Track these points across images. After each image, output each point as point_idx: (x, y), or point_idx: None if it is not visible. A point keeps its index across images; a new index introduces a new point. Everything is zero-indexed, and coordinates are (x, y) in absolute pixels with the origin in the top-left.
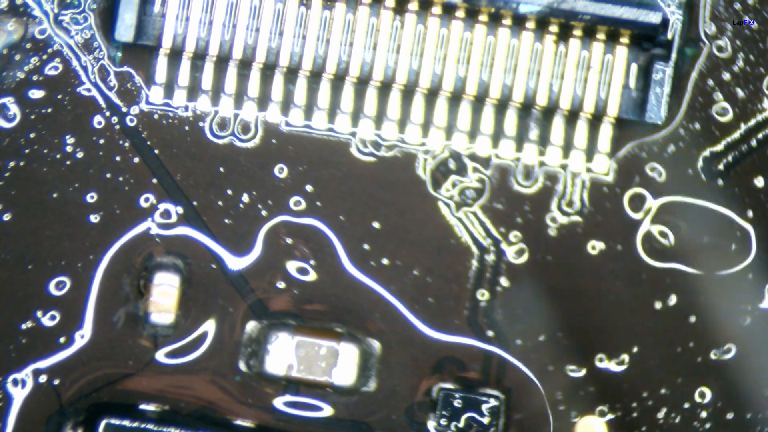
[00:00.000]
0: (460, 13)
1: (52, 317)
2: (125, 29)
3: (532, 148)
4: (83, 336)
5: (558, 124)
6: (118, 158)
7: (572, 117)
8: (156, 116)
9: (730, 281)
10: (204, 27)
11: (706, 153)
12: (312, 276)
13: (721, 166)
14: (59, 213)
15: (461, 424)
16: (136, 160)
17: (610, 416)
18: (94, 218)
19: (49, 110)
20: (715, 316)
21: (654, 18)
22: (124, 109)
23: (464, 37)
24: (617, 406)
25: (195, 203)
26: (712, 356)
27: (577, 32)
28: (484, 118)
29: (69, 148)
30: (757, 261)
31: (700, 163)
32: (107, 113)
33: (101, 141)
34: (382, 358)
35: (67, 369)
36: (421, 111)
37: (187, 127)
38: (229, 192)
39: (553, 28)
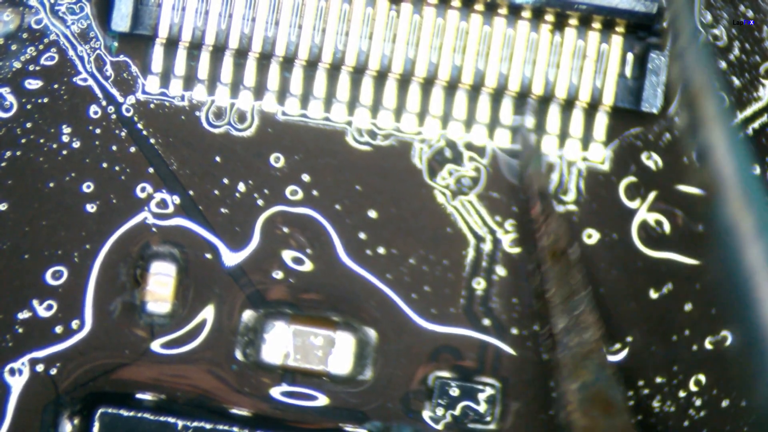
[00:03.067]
0: (456, 3)
1: (49, 307)
2: (122, 19)
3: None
4: (80, 325)
5: (554, 112)
6: (114, 148)
7: (568, 106)
8: (152, 106)
9: (725, 269)
10: (200, 16)
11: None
12: (308, 265)
13: None
14: (56, 203)
15: (457, 413)
16: (133, 149)
17: None
18: (91, 208)
19: (46, 100)
20: (710, 305)
21: (650, 7)
22: (121, 99)
23: (460, 27)
24: None
25: (191, 192)
26: (708, 344)
27: (573, 21)
28: (480, 107)
29: (65, 138)
30: None
31: (695, 152)
32: (104, 103)
33: (98, 131)
34: (378, 346)
35: (63, 358)
36: (417, 100)
37: (183, 117)
38: (226, 181)
39: (549, 18)
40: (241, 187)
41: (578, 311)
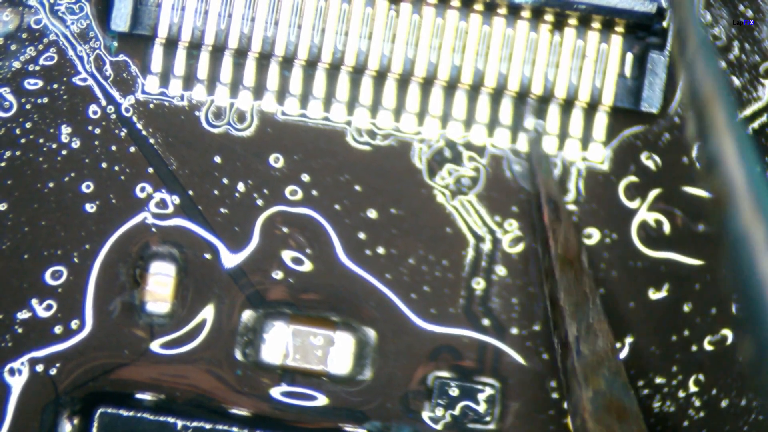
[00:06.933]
0: (456, 2)
1: (49, 307)
2: (121, 19)
3: (526, 137)
4: (79, 325)
5: (553, 112)
6: (114, 148)
7: (567, 106)
8: (152, 105)
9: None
10: (199, 16)
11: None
12: (308, 265)
13: None
14: (55, 203)
15: (457, 413)
16: (132, 149)
17: None
18: (90, 208)
19: (45, 100)
20: (709, 305)
21: (649, 7)
22: (120, 99)
23: (459, 27)
24: None
25: (191, 192)
26: (707, 345)
27: (572, 21)
28: (480, 107)
29: (65, 138)
30: None
31: (695, 152)
32: (103, 103)
33: (97, 131)
34: (377, 346)
35: (63, 358)
36: (416, 100)
37: (182, 117)
38: (225, 181)
39: (548, 17)
40: (241, 187)
41: (590, 319)
